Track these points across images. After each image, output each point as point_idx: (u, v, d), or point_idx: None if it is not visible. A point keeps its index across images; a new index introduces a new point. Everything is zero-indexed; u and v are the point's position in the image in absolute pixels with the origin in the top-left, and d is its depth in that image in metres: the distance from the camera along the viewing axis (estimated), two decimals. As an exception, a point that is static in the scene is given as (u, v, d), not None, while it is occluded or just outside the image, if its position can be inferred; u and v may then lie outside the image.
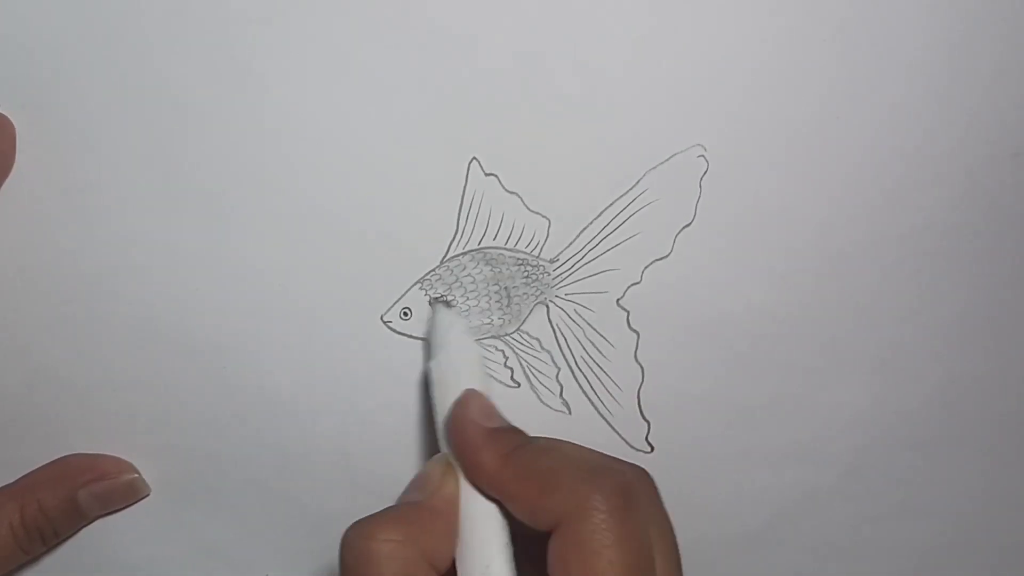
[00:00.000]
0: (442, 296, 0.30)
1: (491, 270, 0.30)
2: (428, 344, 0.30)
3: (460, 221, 0.30)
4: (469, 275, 0.30)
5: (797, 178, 0.30)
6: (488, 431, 0.26)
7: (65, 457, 0.31)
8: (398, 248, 0.30)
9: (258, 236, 0.30)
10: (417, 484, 0.26)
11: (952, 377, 0.32)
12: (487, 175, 0.30)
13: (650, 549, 0.23)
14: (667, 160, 0.30)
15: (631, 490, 0.24)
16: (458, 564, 0.25)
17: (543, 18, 0.29)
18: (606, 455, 0.26)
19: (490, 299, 0.31)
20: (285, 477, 0.31)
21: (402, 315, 0.30)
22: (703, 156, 0.30)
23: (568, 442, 0.26)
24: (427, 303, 0.30)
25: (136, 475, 0.31)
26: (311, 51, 0.29)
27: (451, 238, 0.30)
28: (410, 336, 0.31)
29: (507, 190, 0.30)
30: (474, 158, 0.30)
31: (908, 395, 0.32)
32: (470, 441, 0.25)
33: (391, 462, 0.31)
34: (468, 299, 0.31)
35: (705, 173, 0.30)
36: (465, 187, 0.30)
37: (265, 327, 0.30)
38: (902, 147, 0.30)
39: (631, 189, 0.30)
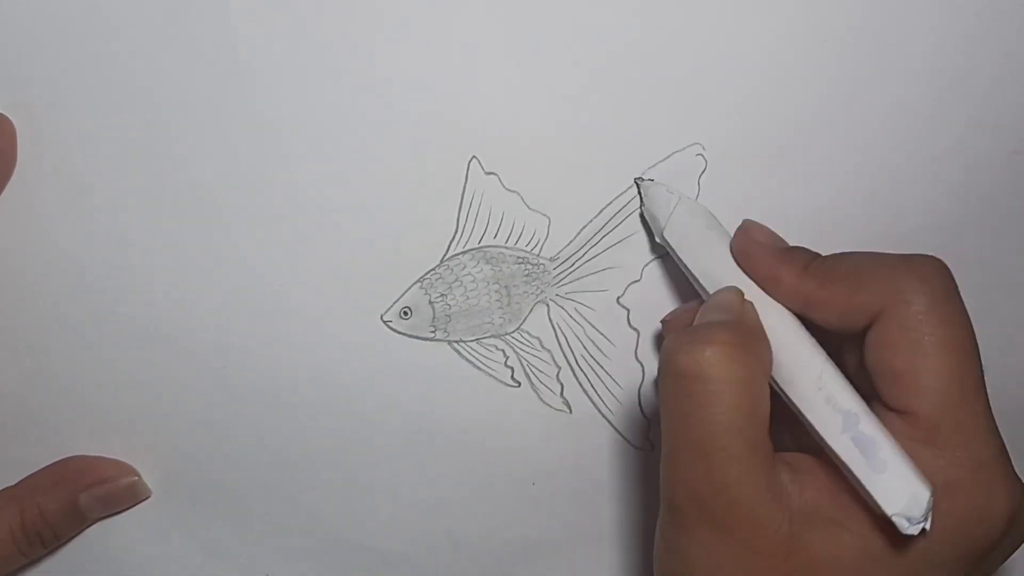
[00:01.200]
0: (642, 176, 0.30)
1: (491, 269, 0.30)
2: (650, 221, 0.30)
3: (460, 220, 0.30)
4: (469, 274, 0.30)
5: (796, 177, 0.30)
6: (779, 249, 0.27)
7: (65, 460, 0.31)
8: (398, 247, 0.30)
9: (258, 236, 0.30)
10: (720, 307, 0.26)
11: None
12: (487, 174, 0.30)
13: (972, 330, 0.24)
14: (666, 159, 0.30)
15: (947, 272, 0.24)
16: (783, 382, 0.25)
17: (543, 18, 0.29)
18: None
19: (490, 298, 0.31)
20: (285, 477, 0.31)
21: (402, 314, 0.30)
22: (701, 155, 0.30)
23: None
24: (635, 184, 0.30)
25: (137, 478, 0.31)
26: (311, 51, 0.29)
27: (451, 237, 0.30)
28: (410, 336, 0.31)
29: (507, 189, 0.30)
30: (474, 157, 0.30)
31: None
32: (765, 261, 0.26)
33: (391, 462, 0.31)
34: (468, 298, 0.31)
35: (704, 171, 0.30)
36: (465, 186, 0.30)
37: (265, 327, 0.30)
38: (901, 146, 0.31)
39: (631, 187, 0.30)
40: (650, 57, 0.29)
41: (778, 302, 0.26)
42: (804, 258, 0.26)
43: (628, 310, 0.31)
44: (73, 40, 0.28)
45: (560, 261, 0.31)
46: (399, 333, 0.30)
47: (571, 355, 0.31)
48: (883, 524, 0.23)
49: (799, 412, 0.24)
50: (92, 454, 0.31)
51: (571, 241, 0.30)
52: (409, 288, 0.30)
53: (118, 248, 0.30)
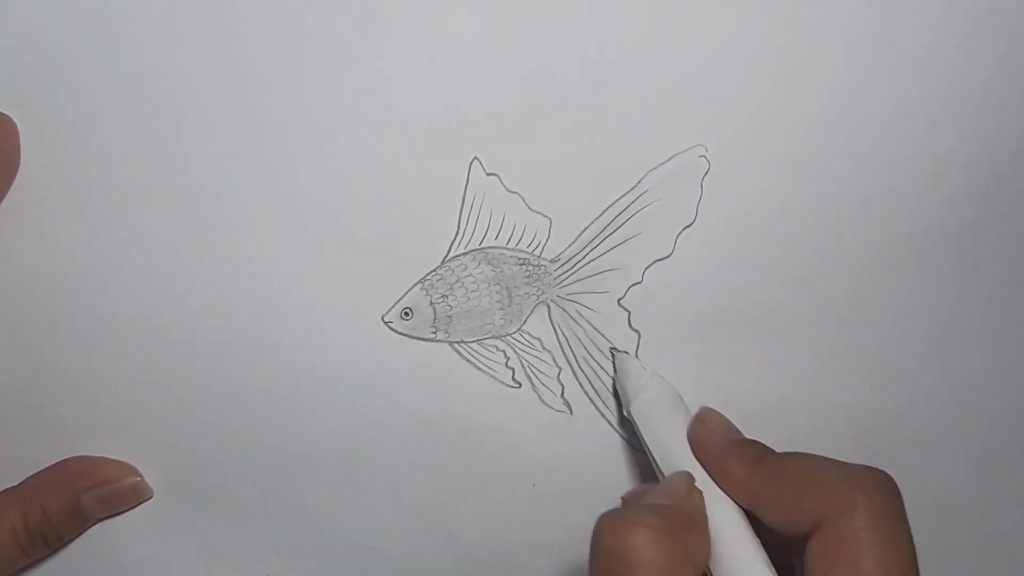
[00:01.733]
0: (617, 348, 0.31)
1: (492, 270, 0.30)
2: (620, 394, 0.30)
3: (461, 221, 0.30)
4: (470, 275, 0.30)
5: (798, 178, 0.30)
6: (733, 441, 0.26)
7: (68, 460, 0.31)
8: (399, 248, 0.30)
9: (258, 236, 0.30)
10: (664, 492, 0.26)
11: (951, 376, 0.32)
12: (488, 175, 0.30)
13: (914, 551, 0.23)
14: (668, 160, 0.30)
15: (894, 490, 0.24)
16: None
17: (544, 18, 0.29)
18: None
19: (491, 299, 0.31)
20: (285, 477, 0.31)
21: (403, 315, 0.30)
22: (704, 156, 0.30)
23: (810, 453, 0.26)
24: (610, 354, 0.31)
25: (139, 478, 0.31)
26: (311, 51, 0.29)
27: (452, 238, 0.30)
28: (411, 336, 0.30)
29: (508, 190, 0.30)
30: (475, 158, 0.30)
31: (908, 395, 0.32)
32: (716, 452, 0.26)
33: (391, 462, 0.31)
34: (469, 299, 0.31)
35: (706, 173, 0.30)
36: (466, 187, 0.30)
37: (265, 327, 0.30)
38: (902, 147, 0.31)
39: (632, 189, 0.30)
40: (653, 58, 0.29)
41: (727, 495, 0.26)
42: (755, 453, 0.26)
43: (629, 312, 0.31)
44: (75, 40, 0.28)
45: (561, 263, 0.31)
46: (400, 334, 0.30)
47: (572, 356, 0.31)
48: None
49: None
50: (94, 454, 0.31)
51: (572, 243, 0.30)
52: (410, 289, 0.30)
53: (120, 248, 0.30)
